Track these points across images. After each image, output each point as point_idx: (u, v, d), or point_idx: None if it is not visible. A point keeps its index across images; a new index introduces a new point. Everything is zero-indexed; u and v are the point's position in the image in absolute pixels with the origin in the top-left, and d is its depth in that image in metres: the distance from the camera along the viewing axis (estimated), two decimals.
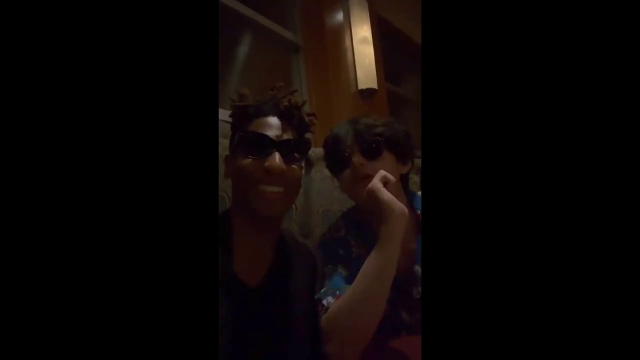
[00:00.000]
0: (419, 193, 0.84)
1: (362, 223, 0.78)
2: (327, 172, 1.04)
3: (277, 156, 0.60)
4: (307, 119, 0.68)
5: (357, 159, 0.71)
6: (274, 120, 0.64)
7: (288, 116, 0.66)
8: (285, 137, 0.63)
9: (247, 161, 0.61)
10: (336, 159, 0.76)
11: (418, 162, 0.90)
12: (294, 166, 0.64)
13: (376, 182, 0.64)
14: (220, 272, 0.57)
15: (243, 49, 1.65)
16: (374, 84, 1.87)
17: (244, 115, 0.65)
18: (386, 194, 0.63)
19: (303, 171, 0.68)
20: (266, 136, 0.62)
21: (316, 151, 1.08)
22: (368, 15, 1.93)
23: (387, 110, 2.07)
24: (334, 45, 1.83)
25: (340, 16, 1.89)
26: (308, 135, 0.70)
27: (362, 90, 1.85)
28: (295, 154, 0.64)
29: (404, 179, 0.81)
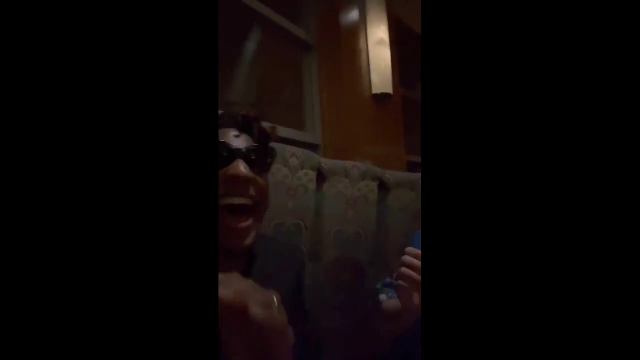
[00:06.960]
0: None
1: None
2: (341, 187, 0.92)
3: (241, 163, 0.53)
4: (268, 129, 0.61)
5: None
6: (232, 132, 0.58)
7: (246, 128, 0.59)
8: (247, 145, 0.56)
9: None
10: None
11: None
12: (260, 178, 0.57)
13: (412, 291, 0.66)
14: None
15: (251, 46, 1.53)
16: (389, 89, 1.76)
17: None
18: (417, 301, 0.67)
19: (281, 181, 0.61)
20: (225, 143, 0.55)
21: (329, 164, 0.95)
22: (386, 16, 1.82)
23: (402, 116, 1.96)
24: (348, 46, 1.72)
25: (356, 15, 1.77)
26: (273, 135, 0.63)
27: (376, 95, 1.75)
28: (259, 164, 0.57)
29: None
